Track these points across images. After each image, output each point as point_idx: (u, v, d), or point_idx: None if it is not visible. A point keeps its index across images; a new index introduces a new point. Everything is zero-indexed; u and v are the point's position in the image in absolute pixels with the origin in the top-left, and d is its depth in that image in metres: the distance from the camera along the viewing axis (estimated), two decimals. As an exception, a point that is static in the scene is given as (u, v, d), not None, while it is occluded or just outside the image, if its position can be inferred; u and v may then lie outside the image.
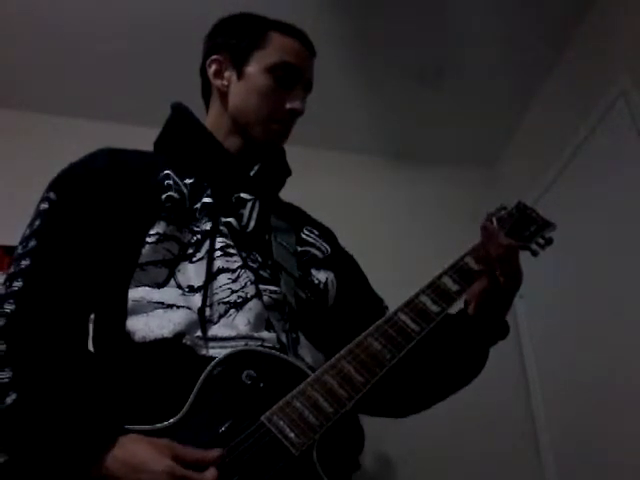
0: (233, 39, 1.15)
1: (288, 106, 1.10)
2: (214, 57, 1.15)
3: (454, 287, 0.97)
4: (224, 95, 1.14)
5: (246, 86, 1.11)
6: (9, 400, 0.75)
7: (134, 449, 0.74)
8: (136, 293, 0.92)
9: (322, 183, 2.55)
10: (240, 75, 1.12)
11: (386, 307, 1.18)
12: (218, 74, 1.14)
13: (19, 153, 2.36)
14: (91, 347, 0.97)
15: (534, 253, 1.12)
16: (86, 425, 0.76)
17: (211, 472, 0.73)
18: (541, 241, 1.13)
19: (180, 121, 1.14)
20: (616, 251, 2.03)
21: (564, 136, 2.36)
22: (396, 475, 2.16)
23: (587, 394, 2.08)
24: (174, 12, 2.22)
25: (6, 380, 0.77)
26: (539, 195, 2.40)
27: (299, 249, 1.10)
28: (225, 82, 1.13)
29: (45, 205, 0.96)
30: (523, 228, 1.12)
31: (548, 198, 2.37)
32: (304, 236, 1.14)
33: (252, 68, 1.11)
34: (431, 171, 2.82)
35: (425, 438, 2.16)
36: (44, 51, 2.32)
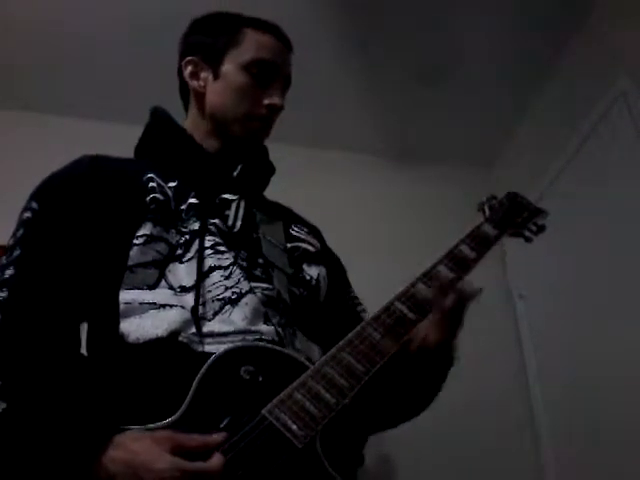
0: (207, 39, 1.14)
1: (266, 102, 1.09)
2: (189, 58, 1.14)
3: (450, 275, 0.97)
4: (201, 96, 1.13)
5: (222, 85, 1.10)
6: None
7: (134, 448, 0.72)
8: (127, 295, 0.91)
9: (322, 183, 2.55)
10: (216, 75, 1.11)
11: (363, 310, 1.16)
12: (194, 75, 1.13)
13: (19, 153, 2.36)
14: (84, 352, 0.95)
15: (527, 239, 1.13)
16: (78, 429, 0.74)
17: (217, 458, 0.72)
18: (533, 228, 1.13)
19: (159, 125, 1.14)
20: (616, 251, 2.03)
21: (564, 136, 2.36)
22: (396, 475, 2.16)
23: (587, 394, 2.08)
24: (175, 11, 2.21)
25: None
26: (539, 195, 2.39)
27: (289, 245, 1.09)
28: (202, 83, 1.12)
29: (28, 214, 0.95)
30: (515, 216, 1.12)
31: (548, 198, 2.36)
32: (293, 232, 1.13)
33: (227, 67, 1.10)
34: (431, 171, 2.82)
35: (425, 438, 2.16)
36: (44, 51, 2.32)
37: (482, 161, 2.88)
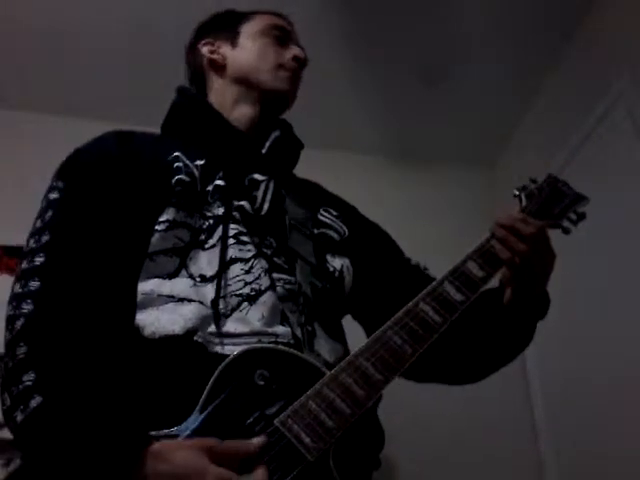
0: (219, 24, 1.20)
1: (290, 54, 1.14)
2: (204, 40, 1.18)
3: (480, 273, 0.91)
4: (223, 68, 1.15)
5: (245, 50, 1.14)
6: (34, 403, 0.71)
7: (177, 460, 0.68)
8: (146, 285, 0.87)
9: (322, 183, 2.54)
10: (235, 45, 1.16)
11: (425, 268, 1.14)
12: (213, 52, 1.17)
13: (19, 153, 2.36)
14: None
15: (566, 231, 1.05)
16: (116, 435, 0.70)
17: (261, 471, 0.69)
18: (573, 217, 1.05)
19: (187, 102, 1.13)
20: (615, 250, 2.03)
21: (564, 136, 2.36)
22: (396, 475, 2.16)
23: (587, 394, 2.08)
24: (175, 12, 2.22)
25: (29, 383, 0.73)
26: (539, 195, 2.40)
27: (315, 232, 1.06)
28: (222, 56, 1.16)
29: (55, 195, 0.92)
30: (554, 204, 1.05)
31: (548, 198, 2.37)
32: (321, 217, 1.10)
33: (245, 38, 1.15)
34: (431, 171, 2.82)
35: (425, 438, 2.16)
36: (44, 51, 2.32)
37: (482, 161, 2.88)
